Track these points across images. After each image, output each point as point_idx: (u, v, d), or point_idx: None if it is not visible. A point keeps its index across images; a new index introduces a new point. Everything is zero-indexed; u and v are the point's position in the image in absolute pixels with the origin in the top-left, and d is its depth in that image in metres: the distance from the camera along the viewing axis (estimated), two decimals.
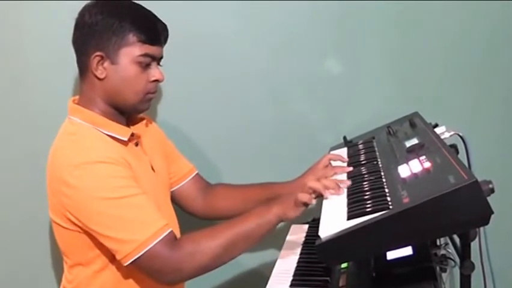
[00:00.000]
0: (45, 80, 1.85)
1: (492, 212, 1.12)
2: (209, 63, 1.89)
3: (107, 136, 1.42)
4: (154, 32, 1.44)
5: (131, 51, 1.40)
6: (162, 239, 1.31)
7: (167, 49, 1.50)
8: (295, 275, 1.45)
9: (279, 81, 1.92)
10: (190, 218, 1.71)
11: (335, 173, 1.55)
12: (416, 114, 1.73)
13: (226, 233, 1.37)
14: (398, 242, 1.20)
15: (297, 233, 1.69)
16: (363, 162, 1.57)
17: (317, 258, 1.27)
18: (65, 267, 1.50)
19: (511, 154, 1.99)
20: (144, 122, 1.58)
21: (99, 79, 1.42)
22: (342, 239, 1.19)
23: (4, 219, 1.91)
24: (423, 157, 1.33)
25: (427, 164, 1.29)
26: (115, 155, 1.36)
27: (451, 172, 1.18)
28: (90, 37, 1.40)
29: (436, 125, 1.62)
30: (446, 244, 1.56)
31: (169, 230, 1.34)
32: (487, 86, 1.95)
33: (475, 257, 1.39)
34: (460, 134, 1.55)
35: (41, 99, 1.86)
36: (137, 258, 1.31)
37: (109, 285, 1.43)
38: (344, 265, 1.42)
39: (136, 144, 1.50)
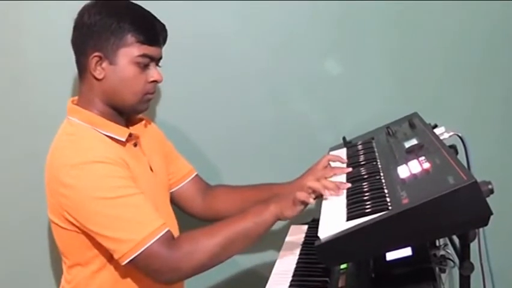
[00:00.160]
0: (45, 80, 1.85)
1: (491, 213, 1.12)
2: (209, 63, 1.89)
3: (105, 136, 1.42)
4: (152, 32, 1.44)
5: (130, 51, 1.40)
6: (159, 238, 1.31)
7: (167, 49, 1.50)
8: (294, 275, 1.45)
9: (279, 81, 1.92)
10: (189, 218, 1.71)
11: (334, 174, 1.54)
12: (415, 114, 1.73)
13: (223, 231, 1.37)
14: (397, 243, 1.20)
15: (297, 234, 1.69)
16: (362, 163, 1.57)
17: (316, 259, 1.27)
18: (64, 267, 1.50)
19: (510, 155, 1.99)
20: (143, 122, 1.57)
21: (97, 79, 1.42)
22: (341, 239, 1.19)
23: (4, 219, 1.91)
24: (423, 158, 1.33)
25: (426, 165, 1.29)
26: (113, 155, 1.36)
27: (450, 173, 1.17)
28: (88, 37, 1.40)
29: (435, 126, 1.61)
30: (446, 245, 1.56)
31: (166, 230, 1.34)
32: (487, 86, 1.95)
33: (474, 257, 1.39)
34: (459, 134, 1.54)
35: (41, 99, 1.86)
36: (135, 257, 1.31)
37: (108, 286, 1.43)
38: (343, 266, 1.42)
39: (135, 145, 1.50)
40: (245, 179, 1.78)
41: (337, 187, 1.40)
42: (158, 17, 1.48)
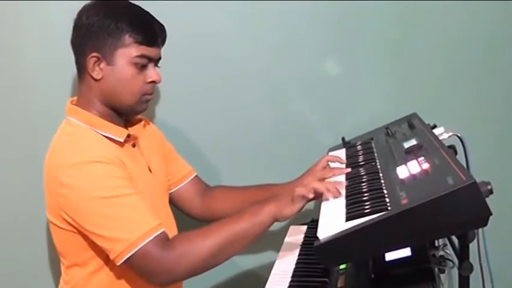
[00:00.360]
0: (44, 80, 1.85)
1: (491, 213, 1.12)
2: (209, 63, 1.89)
3: (103, 137, 1.42)
4: (151, 33, 1.44)
5: (128, 52, 1.40)
6: (154, 238, 1.31)
7: (166, 49, 1.50)
8: (293, 276, 1.45)
9: (279, 81, 1.92)
10: (188, 219, 1.71)
11: (333, 175, 1.54)
12: (414, 115, 1.73)
13: (219, 232, 1.35)
14: (396, 243, 1.20)
15: (296, 234, 1.69)
16: (361, 163, 1.57)
17: (316, 260, 1.27)
18: (62, 268, 1.50)
19: (509, 155, 1.99)
20: (142, 123, 1.57)
21: (96, 80, 1.42)
22: (340, 240, 1.19)
23: (4, 219, 1.91)
24: (422, 158, 1.33)
25: (425, 165, 1.29)
26: (110, 156, 1.36)
27: (450, 173, 1.17)
28: (87, 38, 1.40)
29: (435, 126, 1.61)
30: (445, 245, 1.56)
31: (161, 230, 1.33)
32: (487, 86, 1.95)
33: (473, 258, 1.39)
34: (459, 135, 1.54)
35: (41, 99, 1.86)
36: (129, 257, 1.30)
37: (105, 287, 1.43)
38: (342, 266, 1.41)
39: (133, 146, 1.50)
40: (245, 179, 1.78)
41: (339, 192, 1.39)
42: (158, 17, 1.48)
